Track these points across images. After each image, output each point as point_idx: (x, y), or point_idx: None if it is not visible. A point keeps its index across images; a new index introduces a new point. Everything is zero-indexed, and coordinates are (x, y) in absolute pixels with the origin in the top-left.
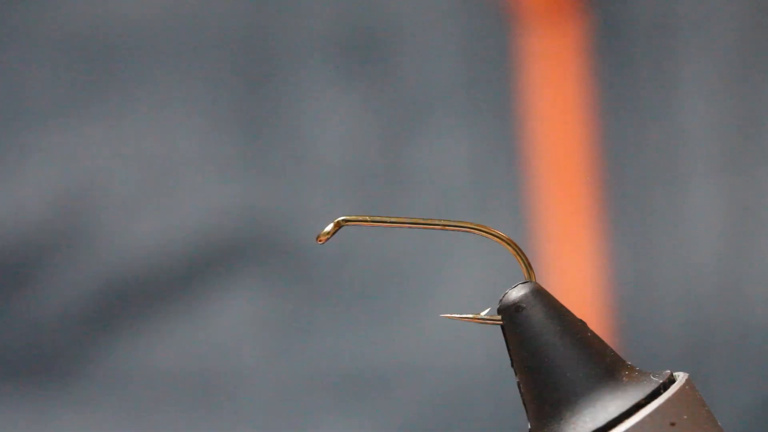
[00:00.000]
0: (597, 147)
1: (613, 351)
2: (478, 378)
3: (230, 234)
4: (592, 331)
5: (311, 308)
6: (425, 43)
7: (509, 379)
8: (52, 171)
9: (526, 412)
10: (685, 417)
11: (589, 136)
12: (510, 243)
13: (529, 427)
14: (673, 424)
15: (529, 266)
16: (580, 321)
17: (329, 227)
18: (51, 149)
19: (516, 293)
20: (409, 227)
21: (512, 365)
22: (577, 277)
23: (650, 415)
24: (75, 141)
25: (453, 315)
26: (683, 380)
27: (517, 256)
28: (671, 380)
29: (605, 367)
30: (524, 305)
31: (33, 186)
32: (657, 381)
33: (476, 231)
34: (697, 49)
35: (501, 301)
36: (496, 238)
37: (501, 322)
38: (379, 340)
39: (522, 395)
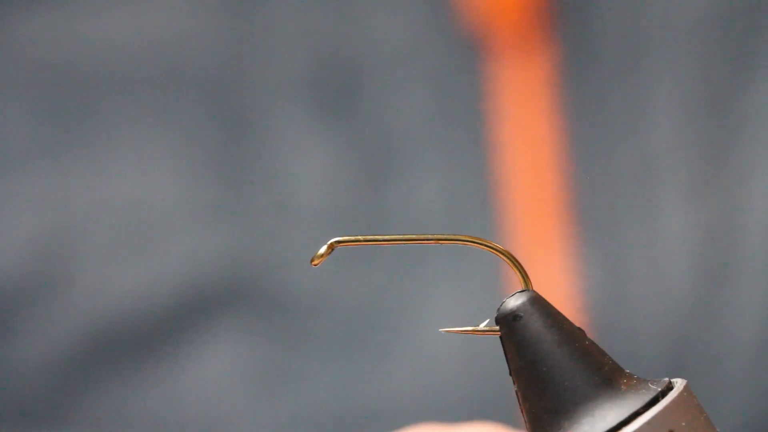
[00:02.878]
0: (569, 174)
1: (612, 359)
2: (462, 419)
3: (211, 281)
4: (590, 340)
5: (294, 355)
6: (397, 80)
7: (492, 417)
8: (29, 217)
9: (525, 421)
10: (683, 424)
11: (561, 164)
12: (505, 253)
13: None
14: (671, 431)
15: (526, 276)
16: (579, 329)
17: (323, 249)
18: (28, 195)
19: (513, 302)
20: (403, 243)
21: (510, 374)
22: (551, 301)
23: (648, 423)
24: (53, 187)
25: (452, 329)
26: (681, 387)
27: (513, 266)
28: (670, 388)
29: (603, 375)
30: (522, 314)
31: (9, 232)
32: (655, 389)
33: (471, 243)
34: (665, 74)
35: (498, 310)
36: (491, 249)
37: (499, 333)
38: (362, 386)
39: (520, 404)
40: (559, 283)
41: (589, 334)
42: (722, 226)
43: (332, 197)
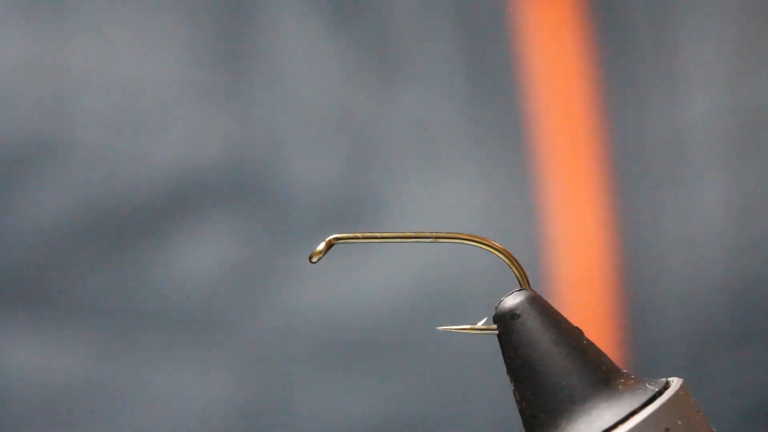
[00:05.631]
0: (602, 129)
1: (609, 359)
2: (438, 312)
3: (209, 166)
4: (588, 339)
5: (287, 249)
6: None
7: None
8: (28, 81)
9: (522, 419)
10: (679, 422)
11: (590, 101)
12: (503, 252)
13: None
14: (667, 430)
15: (524, 275)
16: (577, 329)
17: (321, 246)
18: (26, 58)
19: (511, 301)
20: (401, 241)
21: (508, 373)
22: (583, 257)
23: (644, 421)
24: (52, 52)
25: (450, 327)
26: (677, 386)
27: (512, 265)
28: (667, 387)
29: (601, 375)
30: (519, 313)
31: (5, 96)
32: (653, 389)
33: (469, 242)
34: (702, 35)
35: (496, 308)
36: (489, 248)
37: (497, 332)
38: (355, 284)
39: (518, 403)
40: (591, 235)
41: (619, 294)
42: (758, 195)
43: (338, 97)
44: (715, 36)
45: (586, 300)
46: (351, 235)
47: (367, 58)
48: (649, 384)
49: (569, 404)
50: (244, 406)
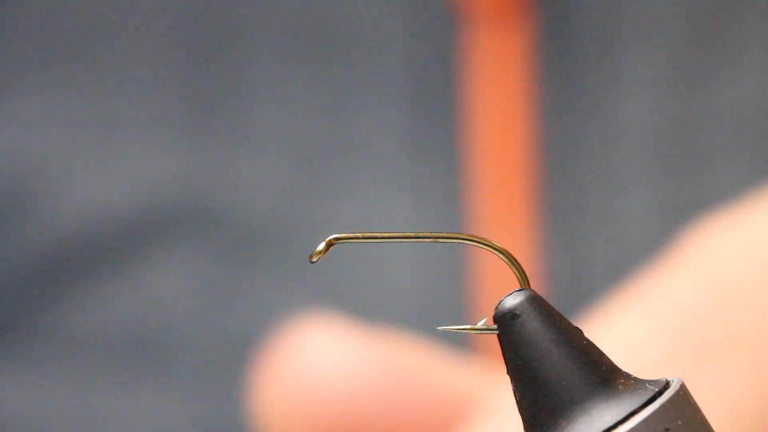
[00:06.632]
0: (537, 145)
1: (609, 359)
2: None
3: (168, 200)
4: (588, 339)
5: (246, 275)
6: (371, 38)
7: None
8: None
9: (522, 420)
10: (679, 422)
11: (529, 134)
12: (503, 252)
13: None
14: (667, 430)
15: (524, 275)
16: (577, 329)
17: (321, 246)
18: None
19: (511, 301)
20: (401, 241)
21: (508, 373)
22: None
23: (644, 421)
24: (11, 103)
25: (449, 327)
26: (677, 386)
27: (512, 266)
28: (667, 387)
29: (601, 375)
30: (519, 313)
31: None
32: (653, 389)
33: (469, 242)
34: (639, 52)
35: (496, 308)
36: (489, 248)
37: (497, 332)
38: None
39: (517, 403)
40: (519, 249)
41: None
42: (687, 209)
43: (293, 126)
44: (654, 50)
45: None
46: (351, 235)
47: (322, 87)
48: (649, 384)
49: (569, 404)
50: (198, 425)
